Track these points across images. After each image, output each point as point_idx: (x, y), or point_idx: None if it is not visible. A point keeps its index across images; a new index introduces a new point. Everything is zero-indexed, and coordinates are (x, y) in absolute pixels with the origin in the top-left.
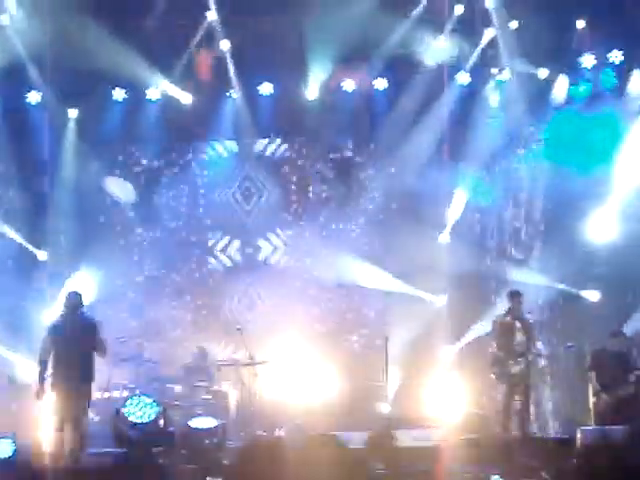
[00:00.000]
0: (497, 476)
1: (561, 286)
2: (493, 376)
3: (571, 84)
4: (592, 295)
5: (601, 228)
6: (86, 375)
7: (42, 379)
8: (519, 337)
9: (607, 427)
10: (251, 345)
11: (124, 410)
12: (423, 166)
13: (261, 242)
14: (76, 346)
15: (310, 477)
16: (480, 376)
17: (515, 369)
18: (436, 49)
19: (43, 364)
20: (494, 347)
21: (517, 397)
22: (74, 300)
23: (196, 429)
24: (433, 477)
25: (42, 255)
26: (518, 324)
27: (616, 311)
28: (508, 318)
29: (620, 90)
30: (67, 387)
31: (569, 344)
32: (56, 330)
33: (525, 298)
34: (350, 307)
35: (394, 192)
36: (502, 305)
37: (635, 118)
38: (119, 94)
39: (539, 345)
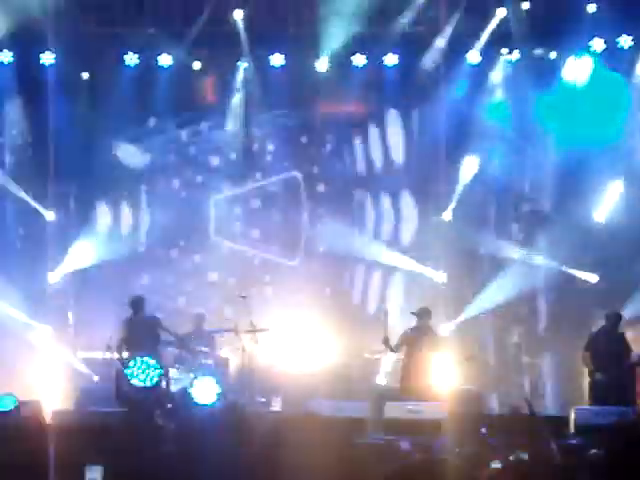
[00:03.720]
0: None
1: (561, 267)
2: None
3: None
4: (591, 277)
5: (604, 210)
6: None
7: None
8: (425, 351)
9: (601, 407)
10: (253, 312)
11: (127, 372)
12: (430, 143)
13: (263, 211)
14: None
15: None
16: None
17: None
18: (448, 27)
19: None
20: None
21: None
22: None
23: (193, 397)
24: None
25: (50, 216)
26: (426, 339)
27: (615, 293)
28: (414, 333)
29: (628, 74)
30: None
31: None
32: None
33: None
34: (351, 279)
35: (399, 168)
36: (497, 285)
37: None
38: (131, 59)
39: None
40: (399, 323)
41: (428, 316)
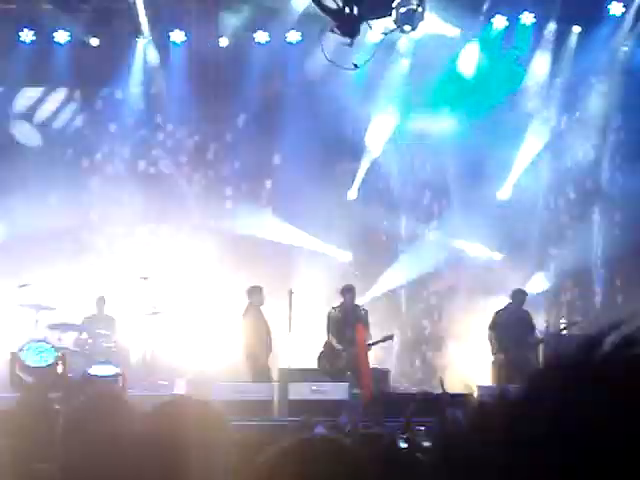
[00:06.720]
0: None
1: (465, 246)
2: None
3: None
4: (495, 255)
5: (506, 189)
6: None
7: None
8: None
9: (504, 385)
10: (154, 295)
11: (21, 354)
12: (334, 120)
13: (166, 191)
14: None
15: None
16: (379, 332)
17: (342, 362)
18: None
19: None
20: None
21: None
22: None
23: (95, 376)
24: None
25: None
26: (350, 317)
27: (518, 271)
28: (339, 313)
29: (530, 51)
30: None
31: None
32: None
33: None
34: (255, 259)
35: (302, 147)
36: (400, 266)
37: (536, 96)
38: (27, 35)
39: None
40: (304, 303)
41: (351, 293)
